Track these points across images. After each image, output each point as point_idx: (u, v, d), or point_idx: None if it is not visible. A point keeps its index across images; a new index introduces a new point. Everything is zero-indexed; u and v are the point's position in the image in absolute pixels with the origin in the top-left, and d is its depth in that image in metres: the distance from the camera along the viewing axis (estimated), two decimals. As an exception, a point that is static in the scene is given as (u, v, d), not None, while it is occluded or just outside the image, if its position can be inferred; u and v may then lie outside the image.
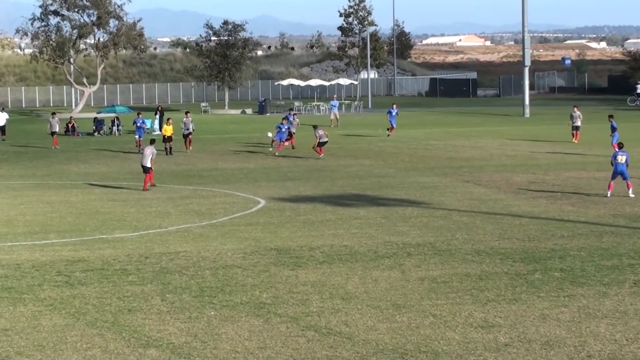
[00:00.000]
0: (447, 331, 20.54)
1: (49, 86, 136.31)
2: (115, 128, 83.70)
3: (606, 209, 36.83)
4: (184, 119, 63.50)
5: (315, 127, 58.37)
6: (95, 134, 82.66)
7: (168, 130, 60.97)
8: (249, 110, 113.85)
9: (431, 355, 18.88)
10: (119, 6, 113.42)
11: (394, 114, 75.07)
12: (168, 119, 63.13)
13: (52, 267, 27.55)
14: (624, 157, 39.66)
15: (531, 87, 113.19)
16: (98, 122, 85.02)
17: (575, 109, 66.72)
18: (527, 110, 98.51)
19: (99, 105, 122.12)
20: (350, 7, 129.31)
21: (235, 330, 20.78)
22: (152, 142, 46.00)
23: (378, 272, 26.30)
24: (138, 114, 66.04)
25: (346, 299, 23.40)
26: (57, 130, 70.25)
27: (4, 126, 77.69)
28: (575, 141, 64.68)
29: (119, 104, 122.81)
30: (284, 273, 26.35)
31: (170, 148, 60.69)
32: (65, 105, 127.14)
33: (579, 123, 65.65)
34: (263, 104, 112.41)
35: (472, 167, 51.70)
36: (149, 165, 43.82)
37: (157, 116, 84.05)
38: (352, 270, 26.63)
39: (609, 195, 39.42)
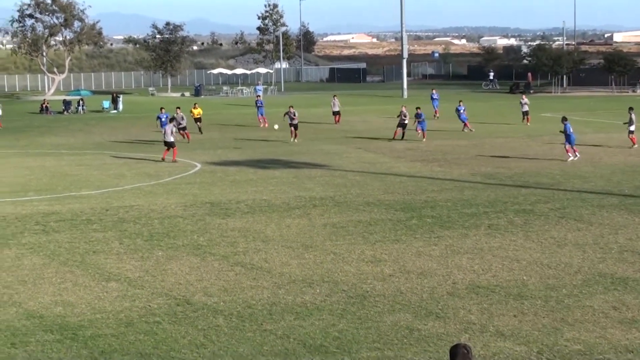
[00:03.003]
0: (345, 265, 20.68)
1: (26, 74, 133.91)
2: (80, 108, 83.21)
3: (466, 169, 37.22)
4: (175, 114, 51.48)
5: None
6: (64, 112, 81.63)
7: (195, 112, 56.41)
8: (187, 93, 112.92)
9: (332, 284, 19.00)
10: (81, 11, 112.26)
11: (435, 97, 66.99)
12: (195, 104, 58.49)
13: (31, 218, 27.21)
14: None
15: (408, 75, 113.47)
16: (66, 103, 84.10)
17: (461, 103, 56.88)
18: (405, 93, 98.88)
19: (67, 89, 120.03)
20: (266, 11, 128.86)
21: (178, 267, 20.73)
22: (172, 120, 43.72)
23: (290, 220, 26.35)
24: (161, 109, 52.52)
25: (265, 241, 23.44)
26: None
27: None
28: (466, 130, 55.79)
29: (83, 88, 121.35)
30: (216, 221, 26.30)
31: (199, 128, 56.07)
32: (39, 89, 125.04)
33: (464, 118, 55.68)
34: (198, 88, 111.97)
35: (363, 138, 51.89)
36: (171, 139, 41.66)
37: (112, 99, 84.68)
38: (270, 218, 26.65)
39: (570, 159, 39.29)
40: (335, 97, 64.30)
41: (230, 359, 14.71)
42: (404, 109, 50.33)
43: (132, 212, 27.97)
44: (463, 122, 55.14)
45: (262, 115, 62.53)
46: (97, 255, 22.04)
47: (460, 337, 15.47)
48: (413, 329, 15.96)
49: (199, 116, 56.78)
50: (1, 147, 49.95)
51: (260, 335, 15.78)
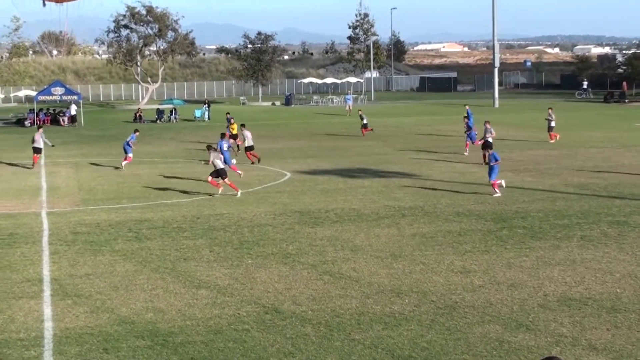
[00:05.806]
0: (434, 275, 20.53)
1: (121, 84, 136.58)
2: (172, 117, 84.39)
3: (559, 179, 36.68)
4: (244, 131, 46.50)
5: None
6: (157, 121, 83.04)
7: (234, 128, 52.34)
8: (277, 102, 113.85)
9: (421, 294, 18.88)
10: (175, 21, 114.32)
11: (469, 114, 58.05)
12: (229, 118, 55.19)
13: (124, 225, 27.64)
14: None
15: (500, 84, 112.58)
16: (159, 112, 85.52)
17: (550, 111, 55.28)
18: (497, 102, 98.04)
19: (160, 98, 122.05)
20: (357, 21, 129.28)
21: (267, 275, 20.82)
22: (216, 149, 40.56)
23: (379, 229, 26.29)
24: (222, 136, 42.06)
25: (354, 251, 23.41)
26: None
27: (74, 115, 79.38)
28: (552, 141, 53.56)
29: (175, 97, 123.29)
30: (306, 230, 26.37)
31: (238, 146, 50.59)
32: (133, 99, 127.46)
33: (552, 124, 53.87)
34: (289, 97, 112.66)
35: (452, 147, 51.53)
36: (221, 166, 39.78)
37: (205, 107, 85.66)
38: (359, 228, 26.62)
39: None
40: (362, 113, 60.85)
41: (318, 368, 14.70)
42: (487, 125, 44.17)
43: (222, 220, 28.22)
44: (470, 139, 48.04)
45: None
46: (188, 263, 22.27)
47: (552, 350, 15.22)
48: (503, 341, 15.76)
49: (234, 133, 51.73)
50: (96, 155, 50.94)
51: (348, 344, 15.74)
